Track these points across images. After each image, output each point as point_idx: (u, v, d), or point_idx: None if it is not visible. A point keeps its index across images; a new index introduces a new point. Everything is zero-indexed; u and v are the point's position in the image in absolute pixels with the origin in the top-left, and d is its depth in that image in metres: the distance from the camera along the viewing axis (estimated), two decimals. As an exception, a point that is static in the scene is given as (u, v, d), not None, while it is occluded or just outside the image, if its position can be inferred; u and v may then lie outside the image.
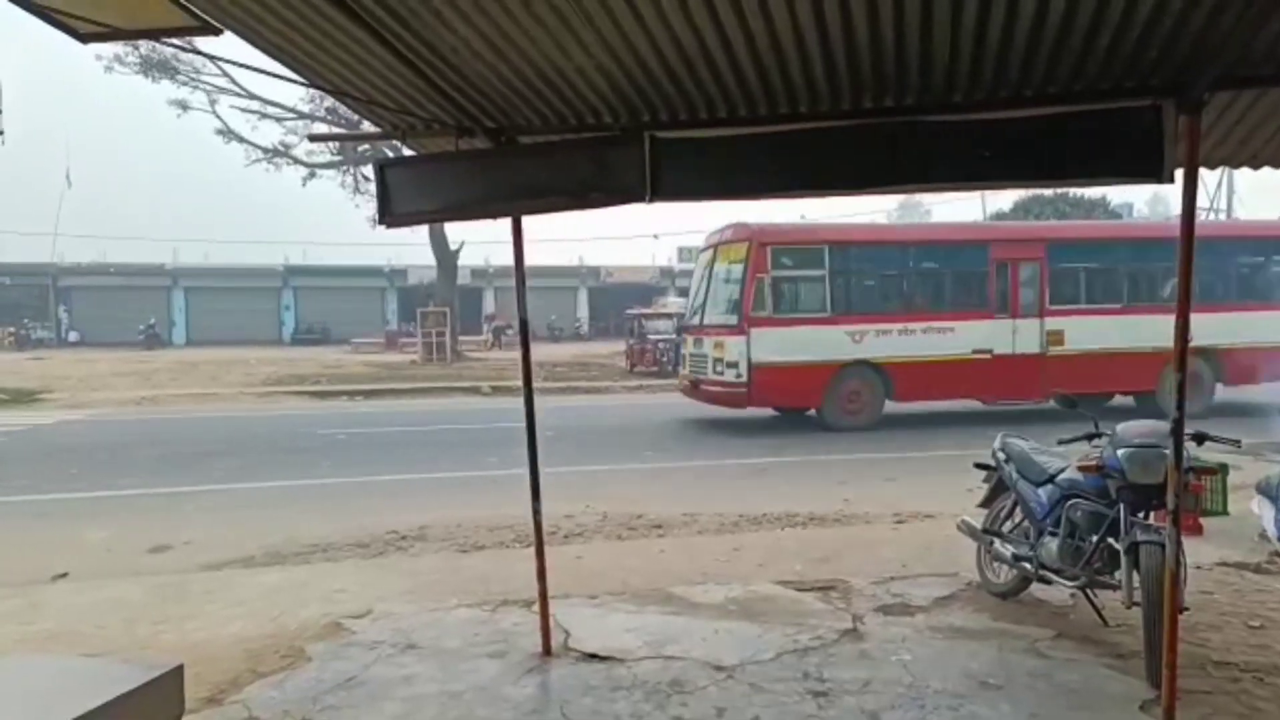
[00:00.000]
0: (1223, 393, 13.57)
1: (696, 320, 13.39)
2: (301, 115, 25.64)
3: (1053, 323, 12.95)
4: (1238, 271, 13.82)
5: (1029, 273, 13.06)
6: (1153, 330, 12.85)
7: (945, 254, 13.44)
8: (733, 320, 12.28)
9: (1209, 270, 13.46)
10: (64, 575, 5.63)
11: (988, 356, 12.68)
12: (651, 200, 3.43)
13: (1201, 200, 29.20)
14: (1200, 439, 3.86)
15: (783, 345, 12.09)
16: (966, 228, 13.33)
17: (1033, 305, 12.99)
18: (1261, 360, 13.21)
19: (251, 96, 24.88)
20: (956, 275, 13.34)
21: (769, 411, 14.05)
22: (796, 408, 13.14)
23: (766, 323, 12.07)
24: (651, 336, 23.33)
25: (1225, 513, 6.29)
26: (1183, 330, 3.05)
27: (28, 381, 20.32)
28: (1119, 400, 13.46)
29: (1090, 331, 12.93)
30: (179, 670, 2.40)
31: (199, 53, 5.23)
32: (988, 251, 12.94)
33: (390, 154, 18.66)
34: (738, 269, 12.32)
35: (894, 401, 12.69)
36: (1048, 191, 28.42)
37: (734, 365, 12.05)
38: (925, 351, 12.49)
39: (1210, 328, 12.96)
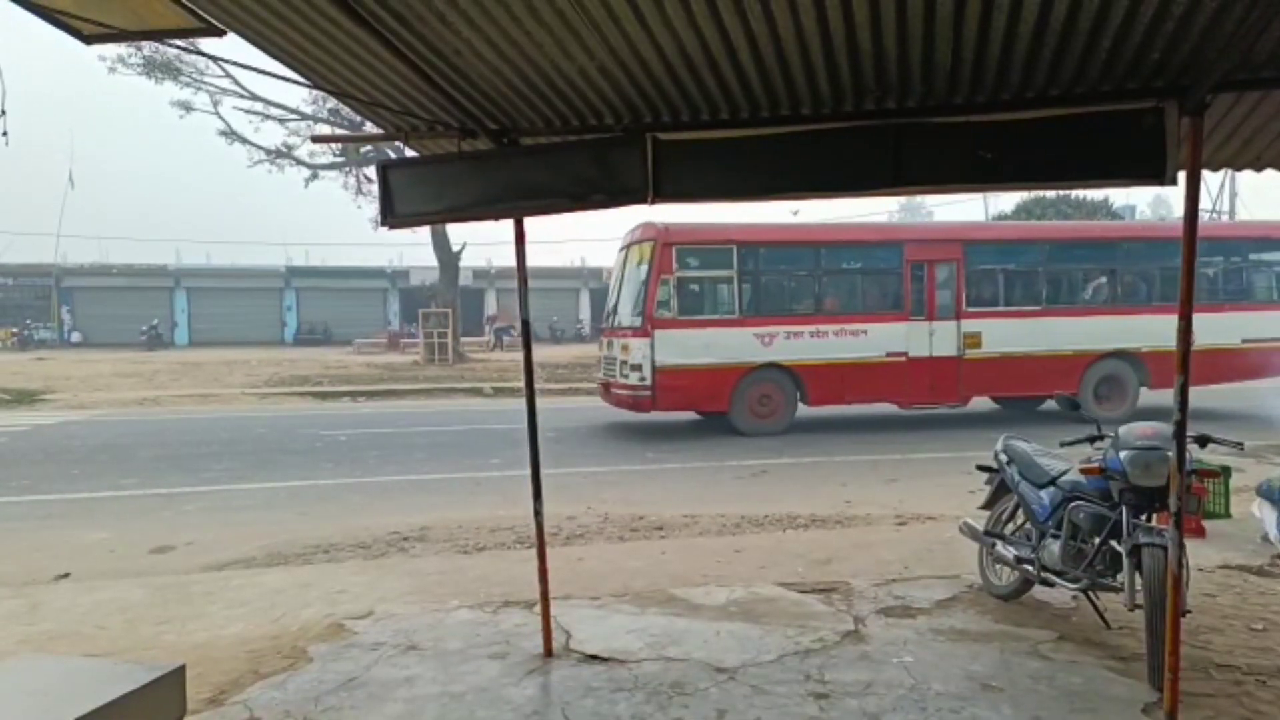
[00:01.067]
0: (1150, 396, 13.32)
1: (610, 322, 13.15)
2: (304, 116, 25.68)
3: (970, 325, 12.70)
4: (1164, 273, 13.55)
5: (945, 274, 12.81)
6: (1074, 332, 12.91)
7: (858, 254, 13.21)
8: (638, 322, 12.00)
9: (1135, 271, 13.40)
10: (66, 576, 5.64)
11: (902, 359, 12.46)
12: (653, 201, 3.44)
13: (1204, 202, 29.20)
14: (1203, 441, 3.85)
15: (688, 347, 11.83)
16: (880, 228, 13.11)
17: (949, 307, 12.72)
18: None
19: (254, 98, 24.95)
20: (870, 276, 13.10)
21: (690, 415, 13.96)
22: (703, 411, 12.87)
23: (671, 324, 11.79)
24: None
25: (1228, 515, 6.31)
26: (1186, 331, 3.06)
27: (30, 382, 20.35)
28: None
29: (1009, 334, 12.72)
30: (180, 671, 2.41)
31: (202, 54, 5.27)
32: (902, 252, 12.67)
33: (393, 155, 18.70)
34: (645, 269, 12.02)
35: (807, 405, 12.47)
36: (1050, 193, 28.42)
37: (638, 368, 11.75)
38: (837, 354, 12.26)
39: (1135, 330, 12.98)
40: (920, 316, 12.60)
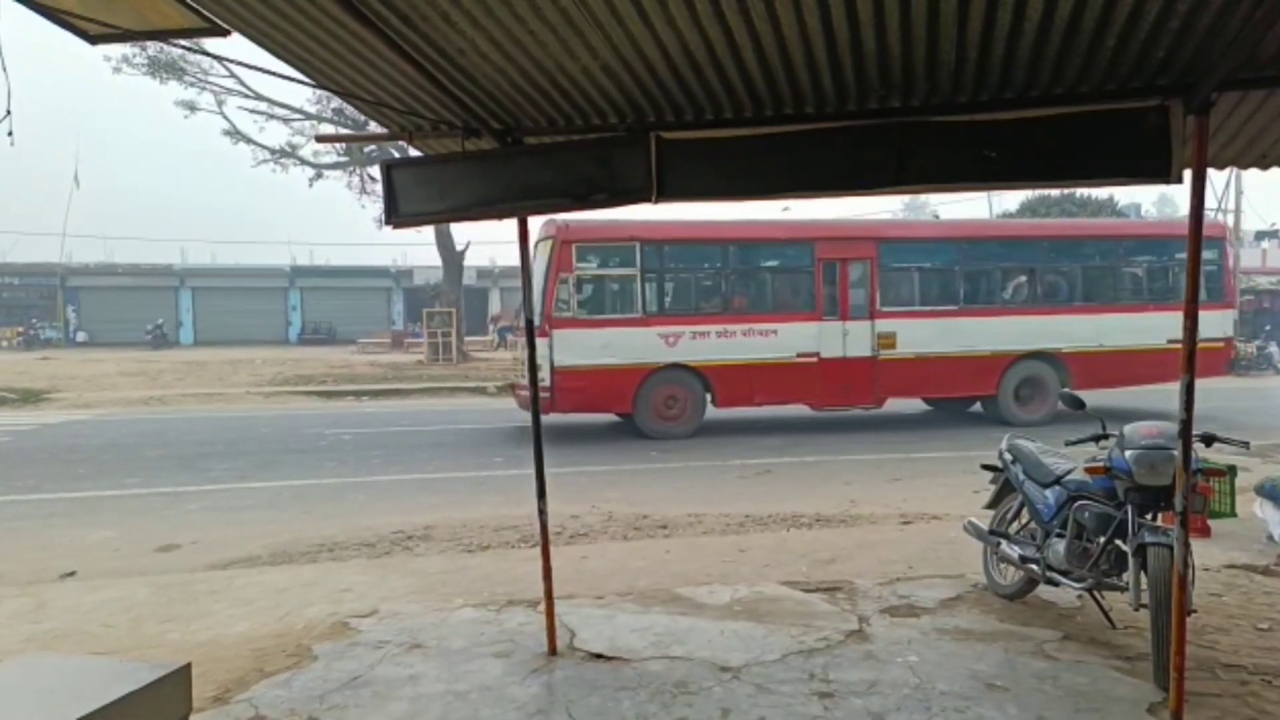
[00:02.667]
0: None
1: (519, 322, 12.85)
2: (308, 116, 25.72)
3: (884, 325, 12.42)
4: (1086, 272, 13.44)
5: (859, 273, 12.52)
6: (992, 333, 12.68)
7: (768, 252, 12.77)
8: (538, 321, 11.78)
9: (1056, 271, 13.20)
10: (72, 574, 5.65)
11: (814, 360, 12.18)
12: (657, 201, 3.44)
13: (1209, 201, 29.12)
14: (1208, 440, 3.84)
15: (589, 348, 11.51)
16: (791, 225, 12.62)
17: (863, 307, 12.44)
18: (1110, 364, 12.88)
19: (259, 97, 24.99)
20: (780, 275, 12.79)
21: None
22: (606, 413, 12.59)
23: (571, 324, 11.50)
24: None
25: (1233, 515, 6.29)
26: (1191, 330, 3.04)
27: (36, 381, 20.42)
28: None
29: (925, 334, 12.46)
30: (186, 669, 2.41)
31: (206, 54, 5.26)
32: (813, 250, 12.33)
33: (397, 155, 18.71)
34: (545, 268, 11.70)
35: (716, 408, 12.21)
36: (1054, 192, 28.37)
37: (537, 368, 11.53)
38: (746, 355, 11.96)
39: (1056, 330, 12.82)
40: (833, 316, 12.34)
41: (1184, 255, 13.34)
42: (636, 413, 11.81)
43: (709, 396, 12.08)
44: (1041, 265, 13.11)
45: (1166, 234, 14.24)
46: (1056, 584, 4.20)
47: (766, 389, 12.08)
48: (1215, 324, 13.21)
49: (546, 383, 11.29)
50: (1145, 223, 15.24)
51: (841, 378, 12.27)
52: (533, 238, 12.64)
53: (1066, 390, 4.57)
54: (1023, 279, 13.16)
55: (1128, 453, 3.78)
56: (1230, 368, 13.86)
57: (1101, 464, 3.96)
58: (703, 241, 12.32)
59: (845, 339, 12.31)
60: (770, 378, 11.98)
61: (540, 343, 11.21)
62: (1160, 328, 12.97)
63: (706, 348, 11.89)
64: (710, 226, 12.51)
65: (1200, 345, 12.61)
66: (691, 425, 11.96)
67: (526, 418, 12.45)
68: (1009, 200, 43.20)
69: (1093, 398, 14.71)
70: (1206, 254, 13.65)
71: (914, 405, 14.55)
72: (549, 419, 11.70)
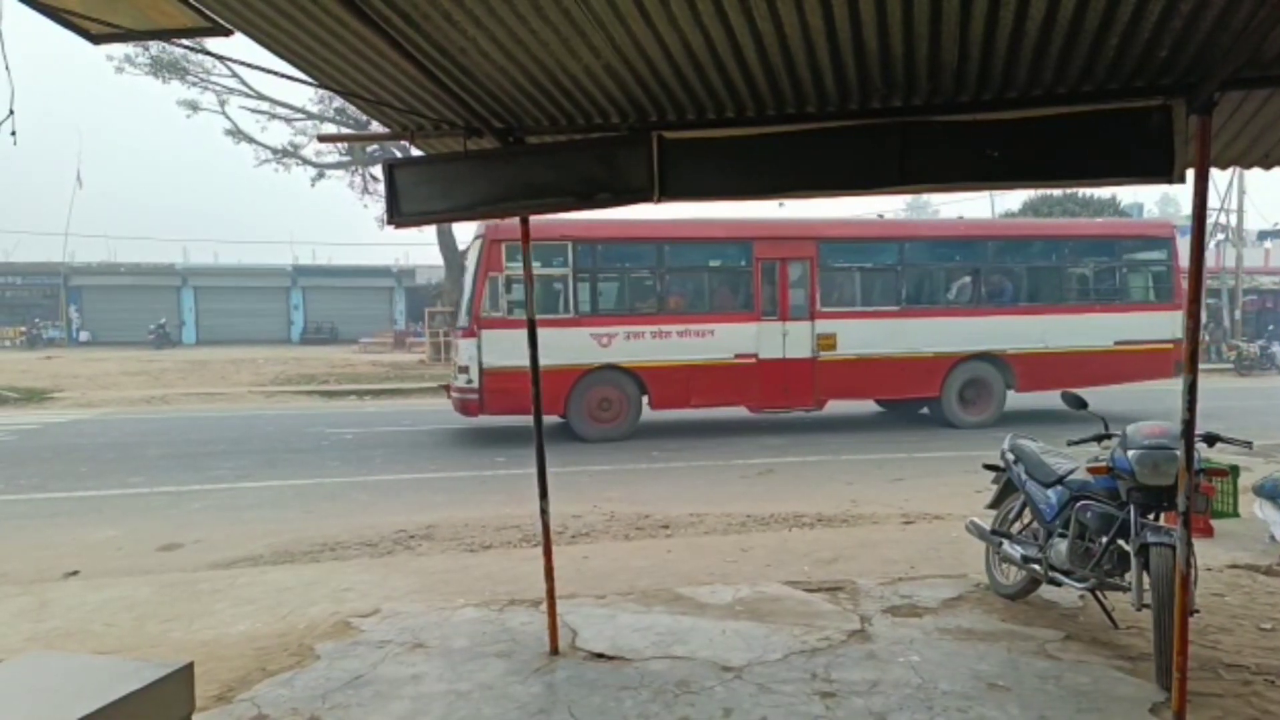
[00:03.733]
0: (1016, 400, 13.13)
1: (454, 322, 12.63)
2: (310, 116, 25.75)
3: (824, 325, 12.20)
4: (1031, 273, 13.27)
5: (798, 273, 12.28)
6: (935, 334, 12.49)
7: (704, 252, 12.58)
8: (467, 322, 11.56)
9: (1001, 271, 13.03)
10: (75, 573, 5.66)
11: (752, 361, 11.95)
12: (659, 200, 3.44)
13: (1212, 201, 29.05)
14: (1211, 440, 3.83)
15: (518, 348, 11.05)
16: (728, 224, 12.31)
17: (803, 307, 12.21)
18: (1055, 366, 12.69)
19: (261, 97, 25.02)
20: (717, 274, 12.54)
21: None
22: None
23: (500, 324, 11.21)
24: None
25: (1236, 514, 6.29)
26: (1194, 330, 3.03)
27: (39, 380, 20.45)
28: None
29: (866, 335, 12.28)
30: (189, 668, 2.42)
31: (209, 53, 5.27)
32: (751, 250, 12.10)
33: (399, 154, 18.72)
34: (475, 267, 11.61)
35: (653, 410, 11.98)
36: (1056, 191, 28.33)
37: (465, 370, 11.26)
38: (682, 355, 11.72)
39: (1001, 331, 12.64)
40: (772, 317, 12.11)
41: (1131, 256, 13.15)
42: (569, 415, 11.58)
43: (645, 398, 11.85)
44: (986, 266, 12.94)
45: (1113, 234, 14.10)
46: (1059, 584, 4.19)
47: (704, 390, 11.86)
48: (1164, 325, 13.15)
49: (474, 384, 11.10)
50: (1092, 223, 14.89)
51: (781, 379, 12.08)
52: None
53: (1069, 390, 4.56)
54: (967, 279, 12.99)
55: (1130, 452, 3.77)
56: (1179, 369, 13.50)
57: (1104, 464, 3.95)
58: (637, 240, 12.05)
59: (785, 340, 12.11)
60: (707, 379, 11.79)
61: (468, 343, 11.13)
62: (1107, 329, 12.92)
63: (641, 348, 11.66)
64: (645, 225, 12.25)
65: (1147, 347, 12.56)
66: (627, 428, 11.74)
67: (480, 420, 12.36)
68: (1011, 200, 43.19)
69: (1038, 400, 14.43)
70: (1154, 254, 13.70)
71: (867, 407, 14.41)
72: (484, 420, 11.57)
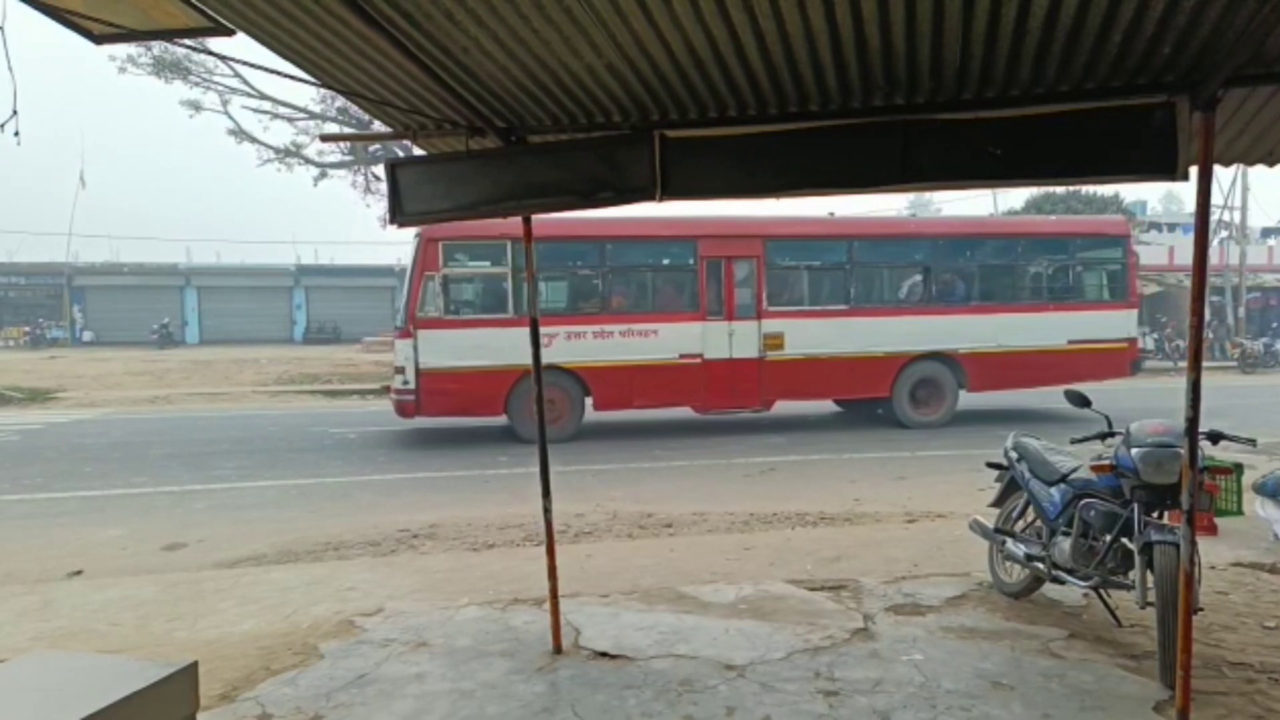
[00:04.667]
0: (969, 400, 13.03)
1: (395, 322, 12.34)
2: (313, 115, 25.72)
3: (771, 325, 12.00)
4: (982, 271, 13.12)
5: (744, 271, 12.09)
6: (885, 334, 12.33)
7: (648, 250, 12.31)
8: (403, 322, 11.37)
9: (952, 270, 12.90)
10: (79, 573, 5.68)
11: (697, 361, 11.76)
12: (661, 199, 3.44)
13: (1215, 198, 28.97)
14: (1215, 438, 3.82)
15: (457, 349, 11.05)
16: (672, 223, 12.05)
17: (749, 306, 12.02)
18: (1008, 365, 12.61)
19: (263, 97, 24.99)
20: (661, 273, 12.38)
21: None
22: (477, 417, 12.09)
23: (437, 324, 11.06)
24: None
25: (1240, 513, 6.27)
26: (1197, 329, 3.02)
27: (43, 380, 20.49)
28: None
29: (814, 335, 12.11)
30: (193, 668, 2.42)
31: (211, 53, 5.27)
32: (696, 248, 11.89)
33: (401, 154, 18.73)
34: (412, 266, 11.40)
35: (596, 411, 11.80)
36: (1059, 189, 28.29)
37: (401, 371, 11.08)
38: (625, 356, 11.50)
39: (952, 331, 12.50)
40: (718, 316, 11.92)
41: (1086, 254, 13.01)
42: (511, 416, 11.42)
43: (588, 399, 11.70)
44: (937, 264, 12.79)
45: (1067, 232, 13.89)
46: (1062, 582, 4.19)
47: (648, 391, 11.63)
48: (1118, 324, 13.04)
49: (410, 385, 10.95)
50: (1046, 220, 14.77)
51: (727, 379, 11.90)
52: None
53: (1072, 389, 4.55)
54: (917, 278, 12.85)
55: (1134, 451, 3.76)
56: (1135, 368, 13.44)
57: (1107, 462, 3.95)
58: (579, 239, 11.87)
59: (731, 340, 11.93)
60: (652, 379, 11.58)
61: (404, 344, 10.99)
62: (1061, 328, 12.76)
63: (583, 349, 11.49)
64: (587, 224, 12.07)
65: (1102, 346, 12.48)
66: (569, 429, 11.52)
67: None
68: (1014, 198, 43.11)
69: (991, 400, 14.30)
70: (1109, 252, 13.53)
71: (826, 407, 14.31)
72: (422, 422, 11.49)
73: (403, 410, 11.21)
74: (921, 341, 12.42)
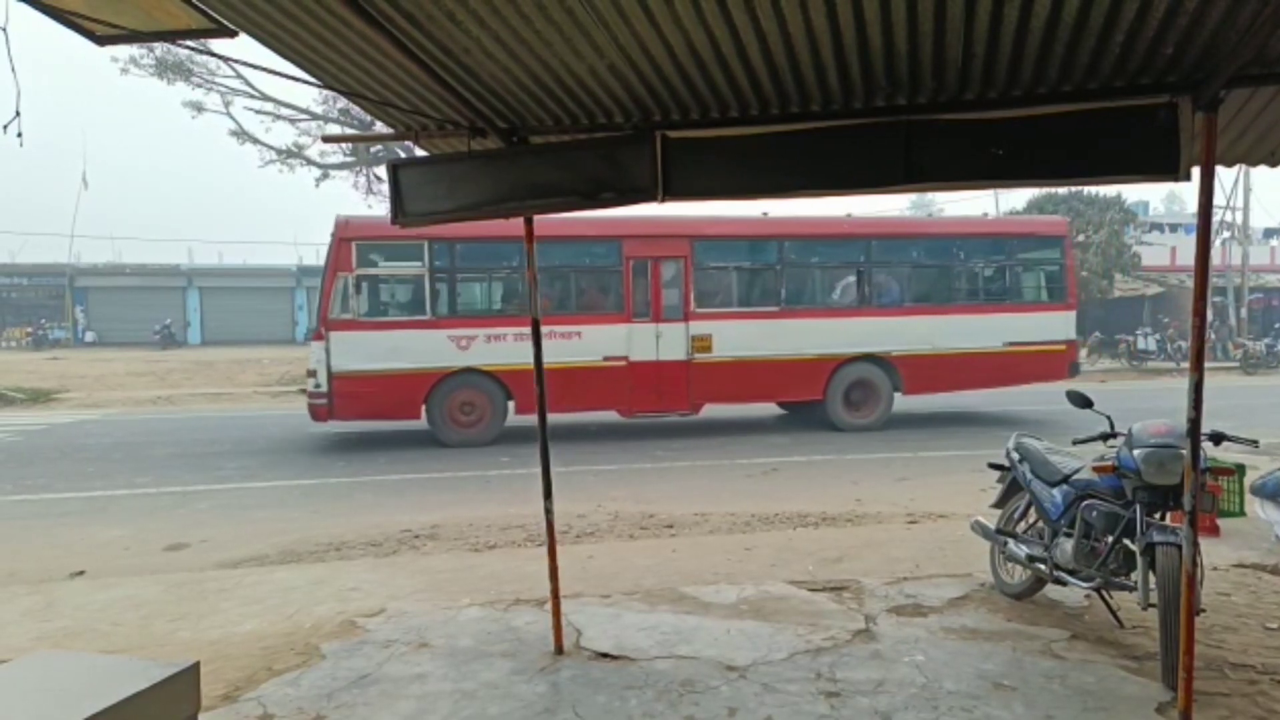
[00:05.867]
0: (906, 403, 13.01)
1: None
2: (315, 116, 25.75)
3: (699, 327, 11.80)
4: (917, 272, 13.00)
5: (671, 272, 11.89)
6: (817, 335, 12.16)
7: (571, 251, 12.00)
8: (315, 324, 11.15)
9: (887, 271, 12.73)
10: (81, 573, 5.68)
11: (623, 363, 11.57)
12: (663, 199, 3.44)
13: (1218, 198, 28.96)
14: (1217, 439, 3.82)
15: (371, 351, 10.86)
16: (596, 222, 11.77)
17: (677, 308, 11.81)
18: (944, 368, 12.47)
19: (265, 98, 25.03)
20: (584, 274, 12.15)
21: (774, 410, 13.79)
22: (394, 420, 11.89)
23: (351, 326, 10.85)
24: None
25: (1242, 513, 6.26)
26: (1200, 329, 3.02)
27: (45, 381, 20.52)
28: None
29: (744, 337, 11.90)
30: (195, 668, 2.42)
31: (213, 54, 5.24)
32: (620, 248, 11.69)
33: (403, 155, 18.74)
34: (325, 267, 11.21)
35: (518, 414, 11.57)
36: (1061, 190, 28.25)
37: (314, 374, 10.83)
38: (547, 358, 11.39)
39: (887, 332, 12.35)
40: (645, 318, 11.72)
41: (1023, 255, 12.86)
42: (430, 420, 11.31)
43: (510, 402, 11.55)
44: (871, 265, 12.62)
45: (1004, 232, 13.73)
46: (1064, 583, 4.19)
47: (572, 394, 11.28)
48: (1057, 326, 12.93)
49: (323, 388, 10.77)
50: (983, 221, 14.56)
51: (654, 382, 11.70)
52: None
53: (1074, 390, 4.55)
54: (851, 279, 12.69)
55: (1136, 451, 3.76)
56: (1073, 371, 13.25)
57: (1109, 463, 3.95)
58: (498, 239, 11.52)
59: (658, 341, 11.73)
60: (575, 382, 11.29)
61: (317, 346, 10.79)
62: (997, 330, 12.64)
63: (504, 351, 11.26)
64: (505, 225, 12.10)
65: (1040, 348, 12.39)
66: (491, 432, 11.43)
67: (333, 427, 12.04)
68: (1016, 198, 43.10)
69: (927, 402, 14.23)
70: (1047, 253, 13.41)
71: (769, 410, 14.18)
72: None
73: (316, 414, 10.97)
74: (855, 343, 12.27)
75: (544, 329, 11.60)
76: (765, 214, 12.84)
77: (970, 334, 12.55)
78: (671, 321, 11.83)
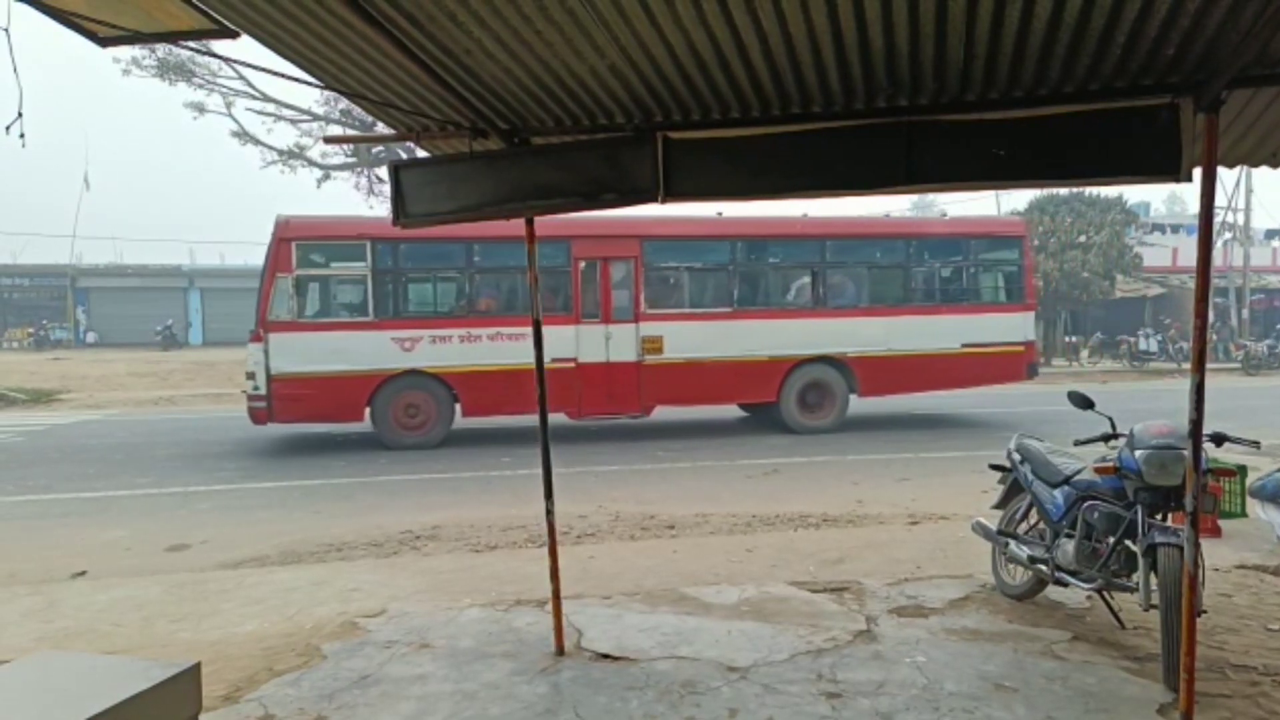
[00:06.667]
0: (862, 405, 12.96)
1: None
2: (316, 118, 25.82)
3: (649, 328, 11.64)
4: (872, 273, 12.87)
5: (621, 272, 11.75)
6: (771, 336, 12.03)
7: (518, 251, 11.10)
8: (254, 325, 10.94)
9: (842, 272, 12.59)
10: (83, 573, 5.69)
11: (571, 365, 11.40)
12: (664, 200, 3.45)
13: (1219, 199, 28.95)
14: (1219, 440, 3.82)
15: (312, 353, 10.67)
16: (545, 222, 11.55)
17: (626, 309, 11.66)
18: (900, 369, 12.37)
19: (267, 99, 25.11)
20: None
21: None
22: (336, 423, 11.72)
23: (291, 328, 10.68)
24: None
25: (1244, 515, 6.26)
26: (1201, 330, 3.02)
27: (47, 382, 20.54)
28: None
29: (696, 338, 11.77)
30: (196, 668, 2.42)
31: (215, 55, 5.25)
32: (569, 249, 11.52)
33: (404, 156, 18.75)
34: (264, 267, 11.00)
35: (464, 417, 11.50)
36: (1063, 190, 28.22)
37: (253, 376, 10.69)
38: (495, 360, 11.15)
39: (842, 333, 12.22)
40: (594, 319, 11.59)
41: (981, 255, 12.73)
42: (374, 422, 11.14)
43: (457, 404, 11.42)
44: (826, 265, 12.46)
45: (961, 233, 13.45)
46: (1065, 584, 4.18)
47: (519, 396, 11.03)
48: (1015, 327, 12.83)
49: (262, 391, 10.64)
50: (940, 221, 14.36)
51: (604, 384, 11.55)
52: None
53: (1075, 390, 4.54)
54: (805, 280, 12.56)
55: (1137, 452, 3.76)
56: (1031, 372, 13.09)
57: (1111, 464, 3.94)
58: (442, 240, 11.41)
59: (608, 343, 11.58)
60: (523, 384, 10.80)
61: (255, 348, 10.62)
62: (954, 331, 12.55)
63: (449, 353, 11.14)
64: (449, 225, 11.85)
65: (997, 349, 12.29)
66: (438, 435, 11.28)
67: (481, 421, 12.00)
68: (1018, 199, 43.09)
69: (883, 404, 14.11)
70: (1005, 253, 13.28)
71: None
72: (485, 421, 11.41)
73: (255, 417, 10.82)
74: (809, 345, 12.14)
75: (490, 330, 11.04)
76: (720, 214, 12.62)
77: (927, 335, 12.44)
78: (621, 322, 11.71)
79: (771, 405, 12.35)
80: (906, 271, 12.88)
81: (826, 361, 12.24)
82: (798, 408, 12.21)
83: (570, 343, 11.51)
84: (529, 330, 10.90)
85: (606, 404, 11.78)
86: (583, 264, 11.67)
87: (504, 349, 11.24)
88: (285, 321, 10.74)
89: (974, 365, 12.58)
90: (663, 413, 12.73)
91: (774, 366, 12.02)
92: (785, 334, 12.15)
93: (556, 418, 11.45)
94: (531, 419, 11.91)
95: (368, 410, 11.14)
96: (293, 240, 10.80)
